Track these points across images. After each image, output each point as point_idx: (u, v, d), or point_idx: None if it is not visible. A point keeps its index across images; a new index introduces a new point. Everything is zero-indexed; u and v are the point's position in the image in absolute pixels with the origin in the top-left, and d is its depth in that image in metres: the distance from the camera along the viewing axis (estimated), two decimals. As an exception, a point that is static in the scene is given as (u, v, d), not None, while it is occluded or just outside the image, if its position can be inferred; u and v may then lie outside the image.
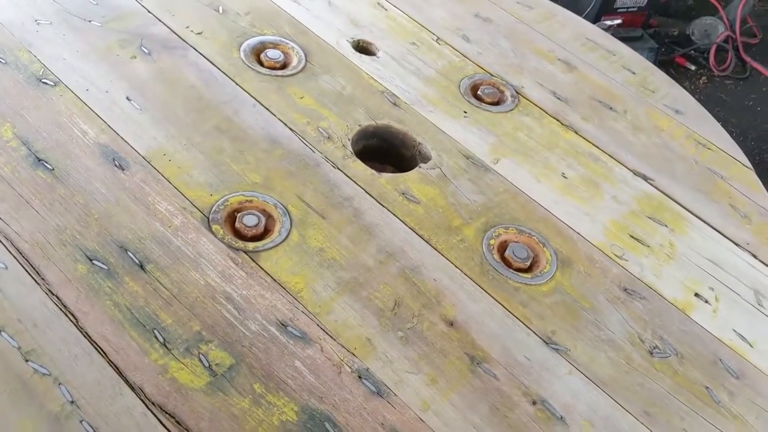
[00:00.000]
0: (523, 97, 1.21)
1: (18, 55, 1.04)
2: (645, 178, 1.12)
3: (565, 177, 1.09)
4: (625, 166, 1.13)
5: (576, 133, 1.17)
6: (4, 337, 0.75)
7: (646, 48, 3.09)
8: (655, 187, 1.11)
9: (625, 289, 0.96)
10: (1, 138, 0.93)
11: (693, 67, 3.37)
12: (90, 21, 1.12)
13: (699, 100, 3.20)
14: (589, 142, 1.16)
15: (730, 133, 3.04)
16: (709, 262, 1.02)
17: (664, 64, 3.31)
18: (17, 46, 1.05)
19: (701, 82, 3.33)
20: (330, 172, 1.00)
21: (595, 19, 3.11)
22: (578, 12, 3.13)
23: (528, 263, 0.96)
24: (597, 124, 1.20)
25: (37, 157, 0.92)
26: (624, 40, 3.03)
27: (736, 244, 1.05)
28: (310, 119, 1.07)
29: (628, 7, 3.16)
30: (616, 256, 1.00)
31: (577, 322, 0.90)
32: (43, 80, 1.01)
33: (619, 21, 3.11)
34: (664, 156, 1.17)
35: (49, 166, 0.91)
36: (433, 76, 1.20)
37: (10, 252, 0.82)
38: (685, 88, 3.25)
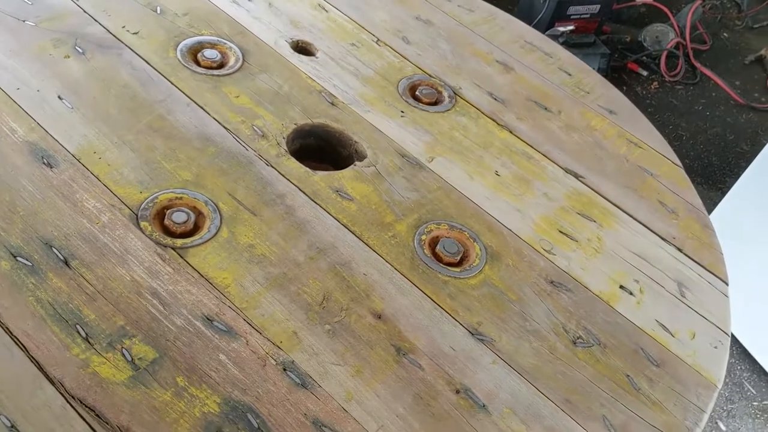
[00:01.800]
0: (461, 97, 1.23)
1: (-53, 54, 1.03)
2: (576, 175, 1.15)
3: (498, 175, 1.11)
4: (557, 164, 1.16)
5: (511, 132, 1.19)
6: None
7: (598, 54, 3.15)
8: (586, 184, 1.14)
9: (552, 282, 0.98)
10: (-74, 136, 0.92)
11: (645, 73, 3.44)
12: (24, 21, 1.12)
13: (650, 104, 3.28)
14: (523, 141, 1.18)
15: (680, 136, 3.12)
16: (635, 256, 1.05)
17: (617, 69, 3.38)
18: (-54, 45, 1.04)
19: (653, 87, 3.40)
20: (263, 169, 1.01)
21: (548, 26, 3.16)
22: (531, 18, 3.19)
23: (458, 258, 0.98)
24: (531, 124, 1.22)
25: (-37, 155, 0.91)
26: (577, 46, 3.11)
27: (663, 239, 1.09)
28: (245, 118, 1.07)
29: (581, 14, 3.22)
30: (545, 250, 1.02)
31: (504, 313, 0.92)
32: (-28, 78, 1.01)
33: (572, 27, 3.17)
34: (596, 154, 1.20)
35: (-25, 163, 0.91)
36: (372, 77, 1.22)
37: (-70, 249, 0.81)
38: (636, 93, 3.33)
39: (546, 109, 1.26)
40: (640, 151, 1.23)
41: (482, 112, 1.22)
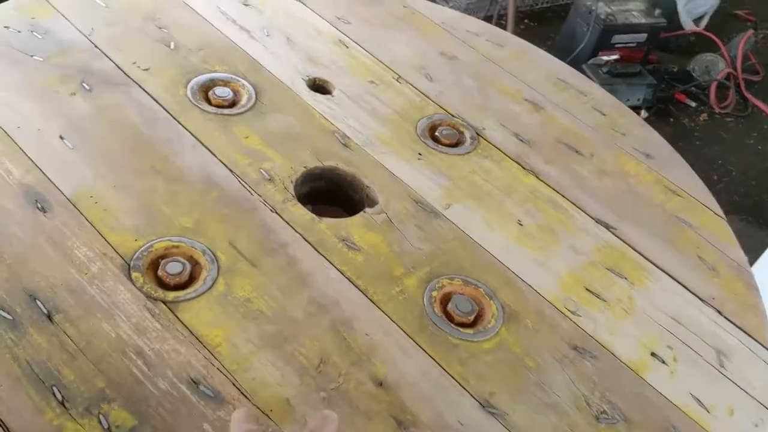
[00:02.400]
0: (484, 138, 1.16)
1: (-50, 91, 1.01)
2: (607, 226, 1.06)
3: (520, 224, 1.03)
4: (587, 213, 1.08)
5: (537, 177, 1.12)
6: None
7: (644, 84, 3.04)
8: (618, 236, 1.05)
9: (576, 347, 0.89)
10: None
11: (693, 104, 3.31)
12: (32, 55, 1.09)
13: (698, 137, 3.14)
14: (551, 187, 1.11)
15: (729, 172, 2.98)
16: (669, 319, 0.96)
17: (663, 100, 3.25)
18: (-49, 81, 1.02)
19: (701, 119, 3.27)
20: (267, 216, 0.95)
21: (591, 55, 3.07)
22: (573, 47, 3.10)
23: (472, 317, 0.90)
24: (560, 168, 1.14)
25: (-45, 198, 0.88)
26: (621, 75, 3.00)
27: (701, 299, 0.99)
28: (253, 160, 1.02)
29: (626, 43, 3.12)
30: (569, 310, 0.94)
31: (520, 383, 0.84)
32: (-27, 117, 0.98)
33: (616, 56, 3.07)
34: (630, 202, 1.11)
35: (-34, 207, 0.87)
36: (390, 116, 1.16)
37: None
38: (684, 125, 3.20)
39: (577, 152, 1.18)
40: (679, 199, 1.14)
41: (506, 155, 1.14)
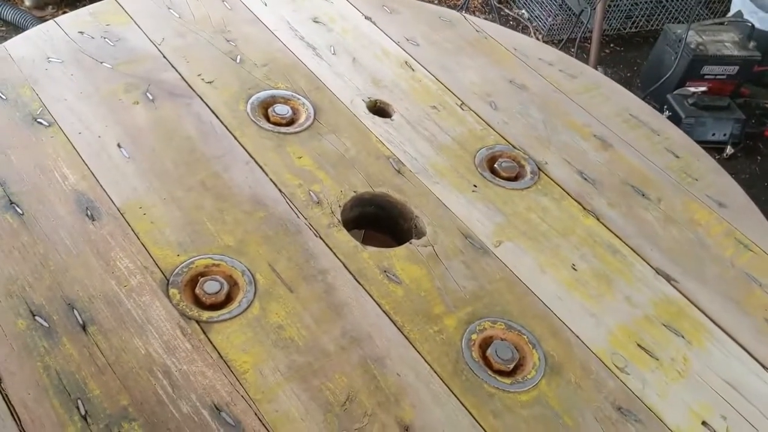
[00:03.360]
0: (545, 174, 1.12)
1: (20, 92, 1.04)
2: (668, 278, 1.00)
3: (575, 269, 0.98)
4: (648, 263, 1.01)
5: (597, 219, 1.06)
6: None
7: (732, 118, 2.89)
8: (679, 291, 0.99)
9: (620, 409, 0.84)
10: (-19, 177, 0.92)
11: (785, 143, 3.12)
12: (102, 62, 1.12)
13: (788, 179, 2.96)
14: (611, 231, 1.05)
15: (820, 218, 2.79)
16: (726, 385, 0.89)
17: (752, 137, 3.08)
18: (22, 83, 1.05)
19: (793, 159, 3.08)
20: (310, 240, 0.94)
21: (678, 84, 2.94)
22: (660, 75, 2.98)
23: (511, 366, 0.86)
24: (624, 211, 1.08)
25: (10, 200, 0.90)
26: (708, 108, 2.87)
27: (764, 367, 0.92)
28: (303, 181, 1.01)
29: (716, 75, 2.97)
30: (617, 367, 0.88)
31: (554, 442, 0.80)
32: (38, 120, 1.01)
33: (704, 88, 2.93)
34: (696, 255, 1.04)
35: (19, 210, 0.89)
36: (448, 144, 1.13)
37: (-47, 299, 0.79)
38: (773, 164, 3.02)
39: (644, 195, 1.12)
40: (751, 255, 1.06)
41: (567, 193, 1.09)
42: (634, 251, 1.03)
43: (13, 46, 1.11)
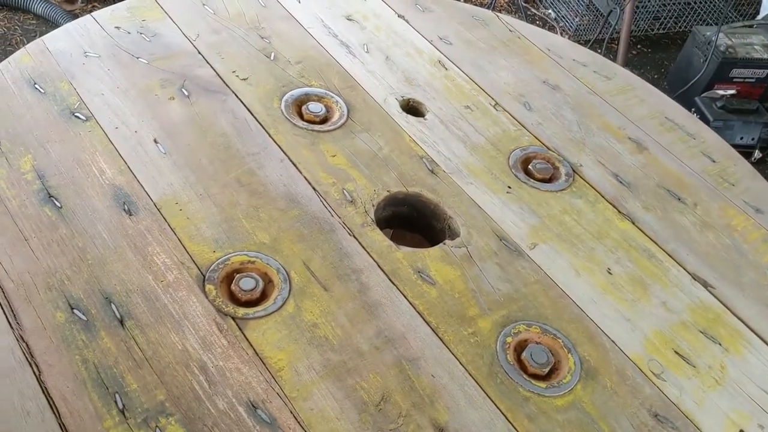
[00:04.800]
0: (580, 176, 1.11)
1: (58, 86, 1.04)
2: (705, 284, 0.99)
3: (610, 273, 0.97)
4: (684, 268, 1.00)
5: (633, 223, 1.05)
6: (-38, 381, 0.72)
7: (760, 122, 2.85)
8: (715, 297, 0.97)
9: (656, 415, 0.83)
10: (20, 169, 0.93)
11: (815, 148, 3.08)
12: (138, 57, 1.12)
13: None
14: (647, 235, 1.04)
15: None
16: (764, 393, 0.87)
17: (781, 141, 3.04)
18: (60, 77, 1.06)
19: (823, 164, 3.04)
20: (344, 239, 0.94)
21: (706, 87, 2.91)
22: (688, 78, 2.95)
23: (546, 370, 0.85)
24: (660, 215, 1.07)
25: (49, 193, 0.91)
26: (736, 112, 2.84)
27: (804, 377, 0.90)
28: (337, 180, 1.01)
29: (745, 78, 2.94)
30: (653, 373, 0.87)
31: (590, 448, 0.79)
32: (75, 114, 1.01)
33: (733, 91, 2.89)
34: (733, 261, 1.03)
35: (58, 203, 0.90)
36: (482, 145, 1.12)
37: (-6, 290, 0.80)
38: (802, 170, 2.98)
39: (679, 199, 1.10)
40: (789, 262, 1.04)
41: (602, 196, 1.08)
42: (670, 256, 1.02)
43: (50, 40, 1.12)
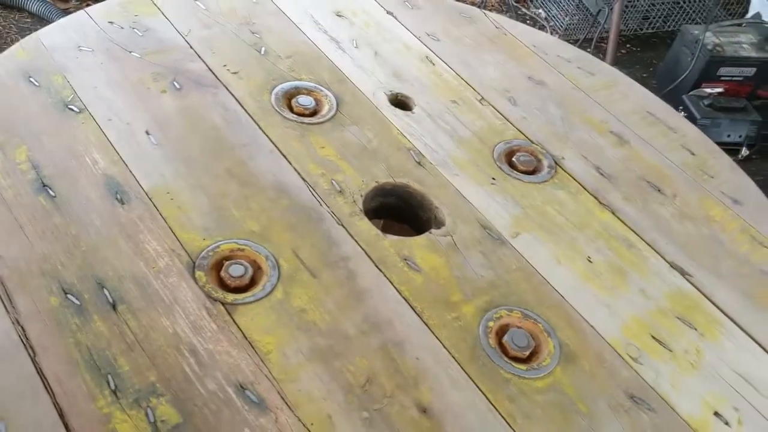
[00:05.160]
0: (562, 168, 1.13)
1: (52, 80, 1.07)
2: (683, 272, 1.02)
3: (590, 261, 1.00)
4: (662, 257, 1.03)
5: (613, 213, 1.08)
6: (-41, 362, 0.74)
7: (748, 120, 2.88)
8: (693, 284, 1.00)
9: (633, 397, 0.86)
10: (15, 160, 0.95)
11: (801, 146, 3.12)
12: (130, 52, 1.14)
13: (803, 182, 2.96)
14: (626, 225, 1.07)
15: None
16: (739, 378, 0.90)
17: (768, 139, 3.08)
18: (54, 71, 1.08)
19: (809, 162, 3.07)
20: (332, 228, 0.96)
21: (694, 85, 2.95)
22: (676, 76, 2.98)
23: (527, 353, 0.88)
24: (639, 206, 1.10)
25: (43, 183, 0.93)
26: (724, 110, 2.87)
27: (777, 362, 0.93)
28: (326, 171, 1.03)
29: (732, 76, 2.97)
30: (631, 357, 0.90)
31: (569, 428, 0.81)
32: (69, 106, 1.03)
33: (720, 89, 2.93)
34: (711, 250, 1.06)
35: (52, 192, 0.92)
36: (468, 138, 1.15)
37: (-10, 276, 0.82)
38: (789, 167, 3.02)
39: (659, 191, 1.13)
40: (766, 251, 1.07)
41: (584, 188, 1.11)
42: (649, 245, 1.04)
43: (45, 35, 1.14)
